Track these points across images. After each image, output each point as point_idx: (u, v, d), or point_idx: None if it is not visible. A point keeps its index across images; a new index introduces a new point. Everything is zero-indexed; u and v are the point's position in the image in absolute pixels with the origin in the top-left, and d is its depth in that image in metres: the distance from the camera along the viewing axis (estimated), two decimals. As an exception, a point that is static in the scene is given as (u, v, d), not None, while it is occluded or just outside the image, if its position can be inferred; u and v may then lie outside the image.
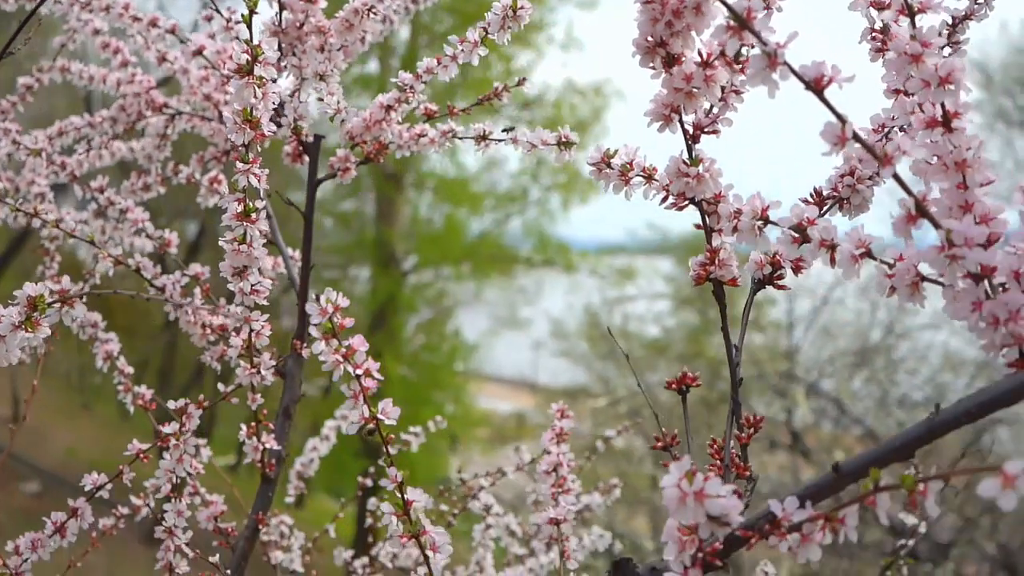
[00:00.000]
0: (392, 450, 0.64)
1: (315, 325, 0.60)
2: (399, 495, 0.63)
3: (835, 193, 0.67)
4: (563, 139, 0.83)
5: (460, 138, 0.96)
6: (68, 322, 0.68)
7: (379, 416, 0.62)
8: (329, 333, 0.60)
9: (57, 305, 0.66)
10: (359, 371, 0.61)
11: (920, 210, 0.50)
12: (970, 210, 0.52)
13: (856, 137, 0.49)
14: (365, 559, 1.36)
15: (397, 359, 10.54)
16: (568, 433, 0.98)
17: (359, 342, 0.61)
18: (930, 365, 7.60)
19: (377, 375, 0.61)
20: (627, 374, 8.72)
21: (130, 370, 1.08)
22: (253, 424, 0.94)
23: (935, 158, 0.53)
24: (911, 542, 1.11)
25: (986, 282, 0.51)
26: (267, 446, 0.95)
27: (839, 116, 0.50)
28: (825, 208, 0.67)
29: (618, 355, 9.26)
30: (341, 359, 0.60)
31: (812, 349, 7.62)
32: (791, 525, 0.50)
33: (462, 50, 0.88)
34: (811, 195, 0.67)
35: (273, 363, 0.89)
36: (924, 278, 0.53)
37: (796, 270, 0.65)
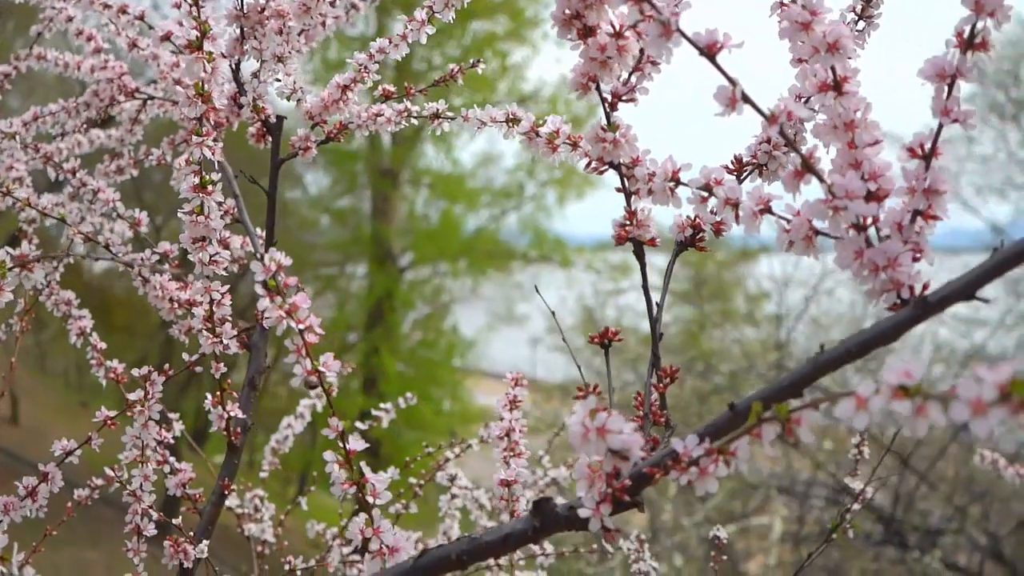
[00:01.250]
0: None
1: (259, 282, 0.63)
2: (341, 444, 0.67)
3: (754, 160, 0.71)
4: (511, 116, 0.87)
5: (416, 117, 1.00)
6: (27, 286, 0.72)
7: (321, 369, 0.66)
8: (273, 290, 0.64)
9: (17, 269, 0.70)
10: (302, 326, 0.65)
11: (806, 166, 0.54)
12: (859, 168, 0.56)
13: (745, 98, 0.53)
14: (335, 530, 1.41)
15: (394, 355, 10.58)
16: (521, 400, 1.01)
17: (302, 299, 0.65)
18: (921, 355, 7.66)
19: (319, 330, 0.65)
20: (625, 368, 8.78)
21: (103, 345, 1.12)
22: (218, 394, 0.98)
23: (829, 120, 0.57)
24: (856, 506, 1.15)
25: (873, 232, 0.55)
26: (232, 415, 0.99)
27: (730, 80, 0.53)
28: (745, 174, 0.71)
29: (614, 349, 9.29)
30: (284, 315, 0.64)
31: (805, 341, 7.67)
32: (690, 460, 0.54)
33: (411, 29, 0.93)
34: (731, 162, 0.71)
35: (234, 332, 0.93)
36: (817, 231, 0.57)
37: (717, 232, 0.69)
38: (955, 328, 7.62)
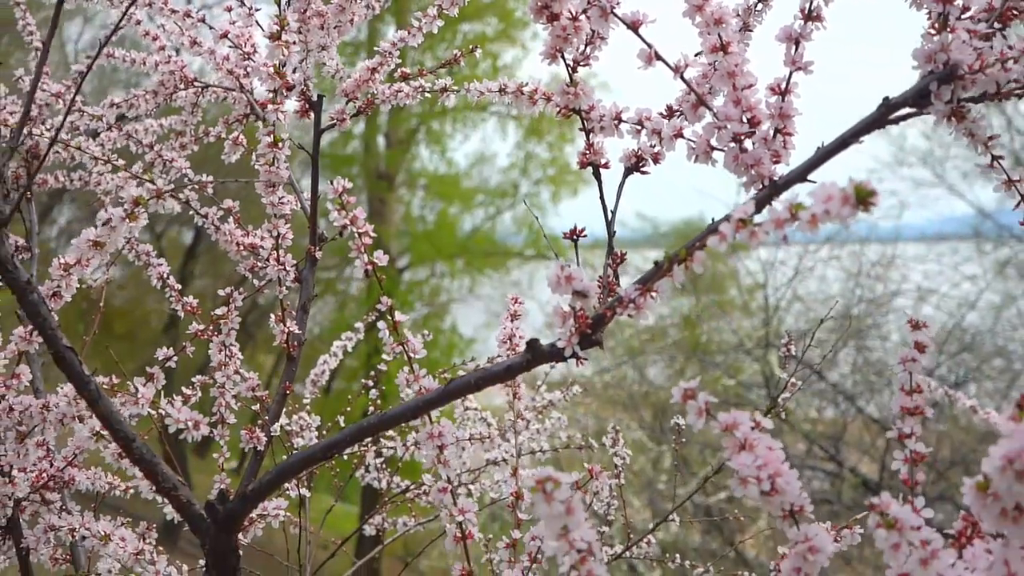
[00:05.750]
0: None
1: (330, 200, 0.90)
2: (391, 318, 0.94)
3: (680, 107, 0.97)
4: (502, 87, 1.13)
5: (428, 92, 1.27)
6: (162, 211, 0.99)
7: (375, 260, 0.92)
8: (339, 205, 0.91)
9: (154, 200, 0.97)
10: (361, 231, 0.92)
11: (700, 101, 0.81)
12: (739, 103, 0.83)
13: (658, 56, 0.80)
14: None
15: (392, 368, 10.81)
16: (520, 315, 1.28)
17: (360, 213, 0.92)
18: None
19: (372, 234, 0.92)
20: (626, 366, 9.06)
21: (178, 287, 1.38)
22: (280, 313, 1.25)
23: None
24: (787, 395, 1.42)
25: (748, 143, 0.82)
26: (291, 330, 1.26)
27: (648, 44, 0.80)
28: (675, 117, 0.98)
29: (612, 346, 9.58)
30: (349, 223, 0.91)
31: (793, 320, 7.98)
32: (630, 300, 0.81)
33: (425, 23, 1.20)
34: (666, 108, 0.98)
35: (295, 262, 1.20)
36: (712, 147, 0.84)
37: (655, 160, 0.96)
38: (945, 307, 7.93)
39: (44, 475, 1.15)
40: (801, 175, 0.77)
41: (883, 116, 0.75)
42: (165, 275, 1.39)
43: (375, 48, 1.24)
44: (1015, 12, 0.77)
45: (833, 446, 6.60)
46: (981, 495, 0.57)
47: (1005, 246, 8.68)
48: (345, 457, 1.71)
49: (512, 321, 1.26)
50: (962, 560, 0.67)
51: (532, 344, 0.87)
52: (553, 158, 12.15)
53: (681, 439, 1.41)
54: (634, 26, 0.80)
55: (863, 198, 0.57)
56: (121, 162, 1.30)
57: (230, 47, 1.37)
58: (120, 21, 1.08)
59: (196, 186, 1.37)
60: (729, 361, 7.75)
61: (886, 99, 0.75)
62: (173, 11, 1.40)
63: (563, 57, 0.90)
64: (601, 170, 0.94)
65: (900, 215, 9.04)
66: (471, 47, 1.29)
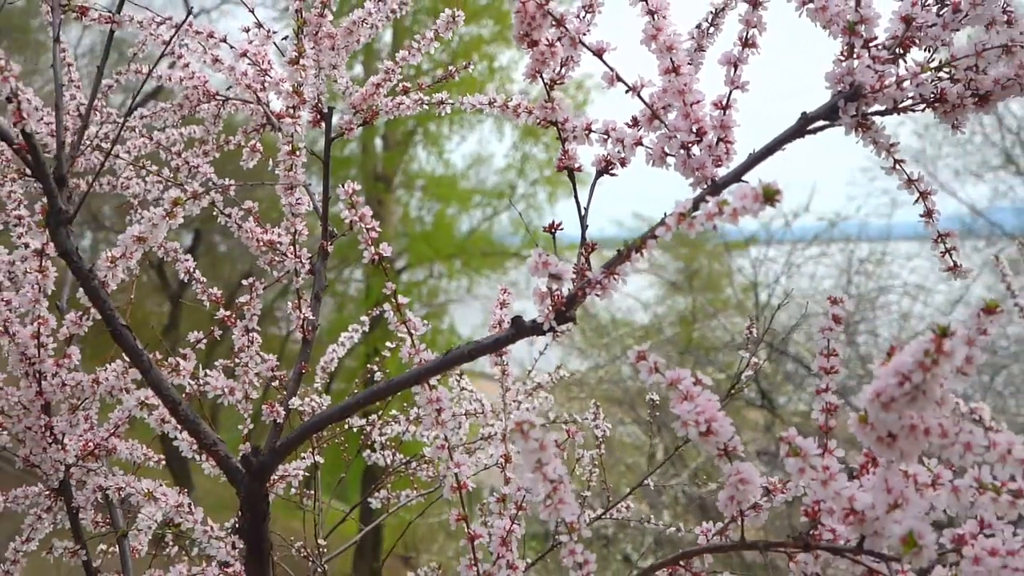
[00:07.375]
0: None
1: (341, 200, 1.06)
2: (394, 300, 1.10)
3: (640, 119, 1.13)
4: (491, 101, 1.29)
5: (427, 104, 1.43)
6: (195, 212, 1.15)
7: (381, 252, 1.08)
8: (349, 204, 1.07)
9: (191, 200, 1.12)
10: (368, 226, 1.07)
11: (654, 114, 0.97)
12: (688, 116, 0.99)
13: (618, 78, 0.96)
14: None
15: (394, 357, 10.99)
16: (509, 304, 1.44)
17: (367, 210, 1.08)
18: (903, 330, 8.14)
19: (377, 229, 1.08)
20: (615, 357, 9.21)
21: (204, 280, 1.54)
22: (296, 301, 1.41)
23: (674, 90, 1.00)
24: (749, 373, 1.57)
25: (695, 149, 0.98)
26: (306, 316, 1.41)
27: (610, 68, 0.96)
28: (639, 128, 1.13)
29: (608, 343, 9.75)
30: (358, 219, 1.07)
31: (787, 318, 8.14)
32: (598, 282, 0.96)
33: (424, 43, 1.36)
34: (631, 119, 1.14)
35: (310, 254, 1.35)
36: (666, 153, 1.00)
37: (622, 164, 1.12)
38: (934, 303, 8.10)
39: (90, 444, 1.30)
40: (736, 177, 0.93)
41: (802, 127, 0.90)
42: (192, 269, 1.55)
43: (377, 64, 1.40)
44: (913, 40, 0.93)
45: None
46: (862, 426, 0.72)
47: (996, 244, 8.86)
48: (354, 429, 1.87)
49: (501, 309, 1.42)
50: (861, 488, 0.83)
51: (515, 320, 1.03)
52: (549, 159, 12.30)
53: (656, 413, 1.58)
54: (599, 53, 0.96)
55: (770, 196, 0.73)
56: (154, 168, 1.45)
57: (248, 64, 1.53)
58: (163, 52, 1.24)
59: (221, 189, 1.53)
60: (722, 357, 7.92)
61: (804, 114, 0.91)
62: (197, 32, 1.55)
63: (542, 77, 1.06)
64: (576, 173, 1.09)
65: (892, 213, 9.22)
66: (465, 64, 1.44)
